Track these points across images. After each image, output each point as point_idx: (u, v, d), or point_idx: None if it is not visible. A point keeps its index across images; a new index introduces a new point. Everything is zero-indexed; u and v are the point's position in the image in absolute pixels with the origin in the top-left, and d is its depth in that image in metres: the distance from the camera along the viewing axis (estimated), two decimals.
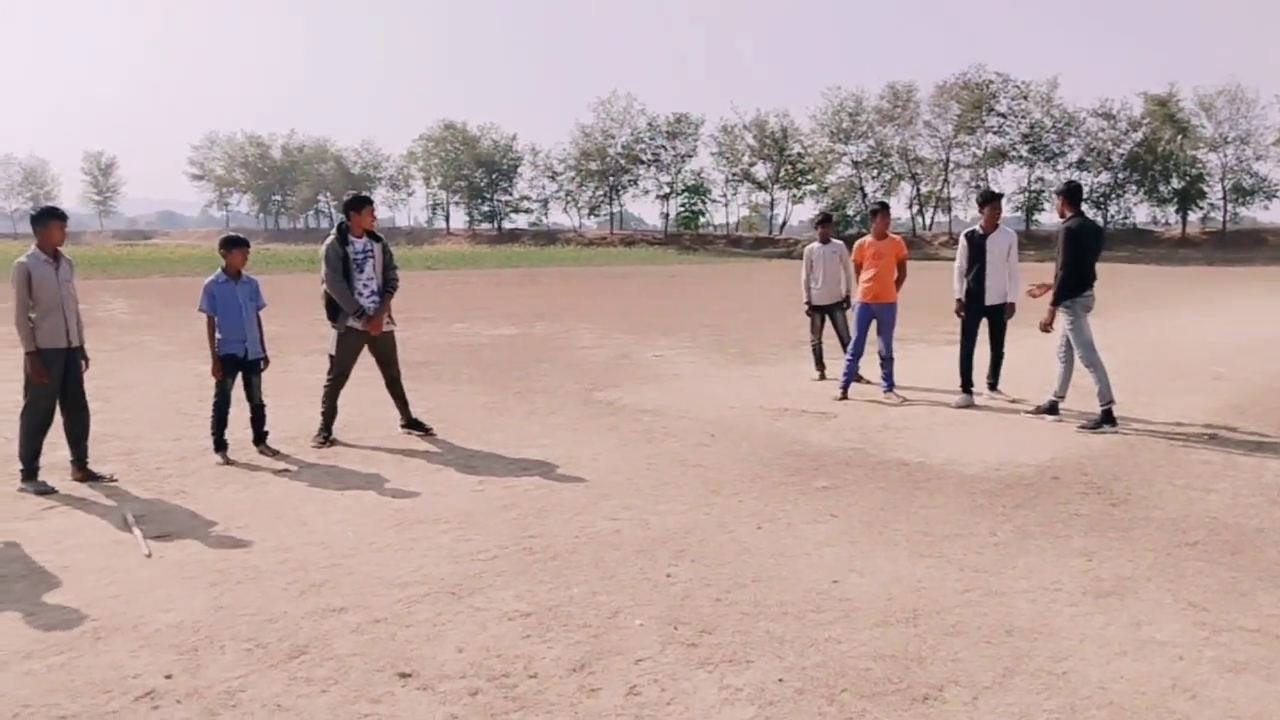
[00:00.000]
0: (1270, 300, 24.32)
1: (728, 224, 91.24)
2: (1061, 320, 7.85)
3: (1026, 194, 74.01)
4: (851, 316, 9.69)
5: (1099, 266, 7.87)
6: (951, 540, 4.88)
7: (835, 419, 8.13)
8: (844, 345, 9.85)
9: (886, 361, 9.09)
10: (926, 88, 77.89)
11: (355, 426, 7.63)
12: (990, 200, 8.86)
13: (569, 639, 3.68)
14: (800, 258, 10.97)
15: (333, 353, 7.26)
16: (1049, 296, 7.89)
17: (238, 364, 6.78)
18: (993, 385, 9.14)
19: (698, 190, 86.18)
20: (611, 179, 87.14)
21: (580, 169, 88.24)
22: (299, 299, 19.83)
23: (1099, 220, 43.40)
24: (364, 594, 4.15)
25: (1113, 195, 72.40)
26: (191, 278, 30.37)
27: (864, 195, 77.69)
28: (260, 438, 6.89)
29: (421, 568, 4.48)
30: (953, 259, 9.73)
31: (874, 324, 9.14)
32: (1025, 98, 72.65)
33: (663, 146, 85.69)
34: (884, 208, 9.49)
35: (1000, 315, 8.85)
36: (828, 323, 10.39)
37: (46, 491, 5.78)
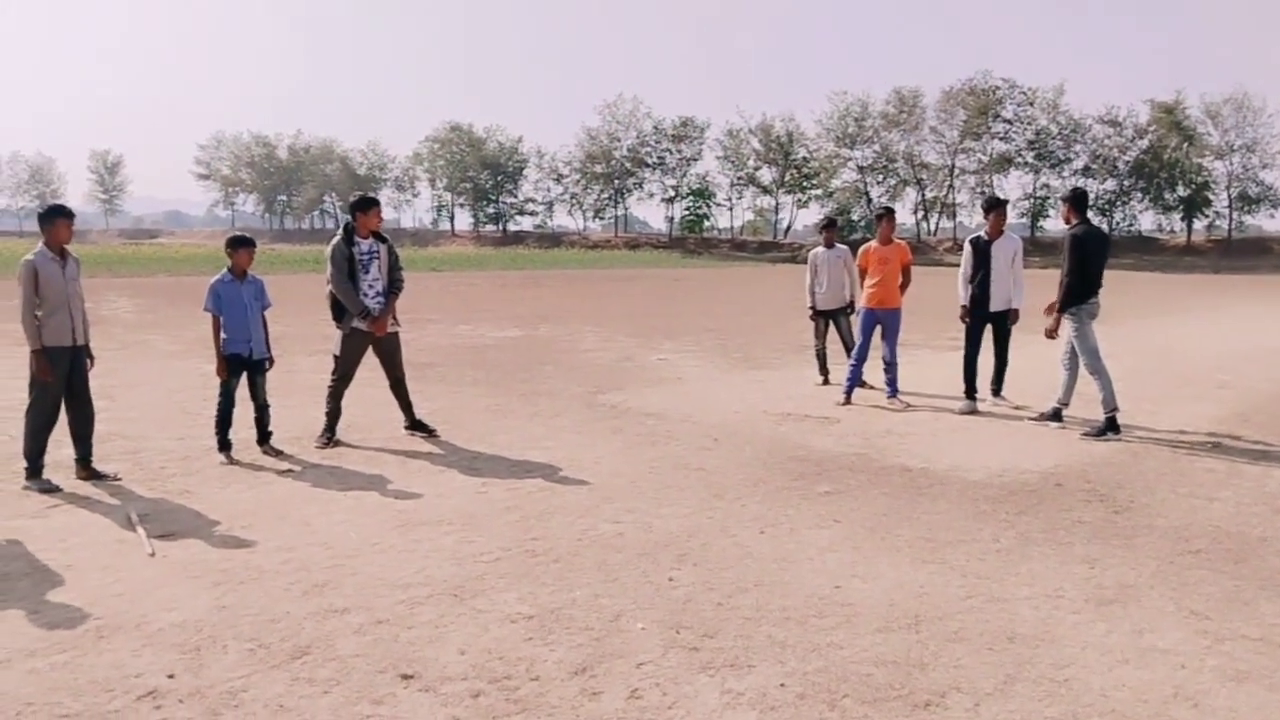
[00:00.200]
0: (1276, 308, 24.28)
1: (732, 228, 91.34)
2: (1066, 327, 7.85)
3: (1032, 200, 74.04)
4: (856, 321, 9.69)
5: (1105, 274, 7.87)
6: (954, 546, 4.88)
7: (839, 424, 8.12)
8: (848, 350, 9.84)
9: (890, 367, 9.09)
10: (933, 93, 78.42)
11: (359, 427, 7.65)
12: (995, 206, 8.86)
13: (571, 642, 3.68)
14: (805, 262, 10.97)
15: (337, 353, 7.28)
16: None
17: (243, 364, 6.78)
18: (996, 391, 9.13)
19: (702, 194, 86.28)
20: (616, 182, 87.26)
21: (585, 172, 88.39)
22: (304, 299, 19.86)
23: (1104, 227, 43.39)
24: (366, 595, 4.15)
25: (1118, 202, 72.38)
26: (197, 277, 30.43)
27: (869, 200, 77.74)
28: (264, 438, 6.90)
29: (424, 569, 4.48)
30: (957, 265, 9.73)
31: (878, 329, 9.15)
32: (1031, 104, 72.71)
33: (668, 150, 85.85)
34: (889, 213, 9.49)
35: (1005, 321, 8.84)
36: (832, 328, 10.38)
37: (51, 490, 5.79)
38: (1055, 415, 8.11)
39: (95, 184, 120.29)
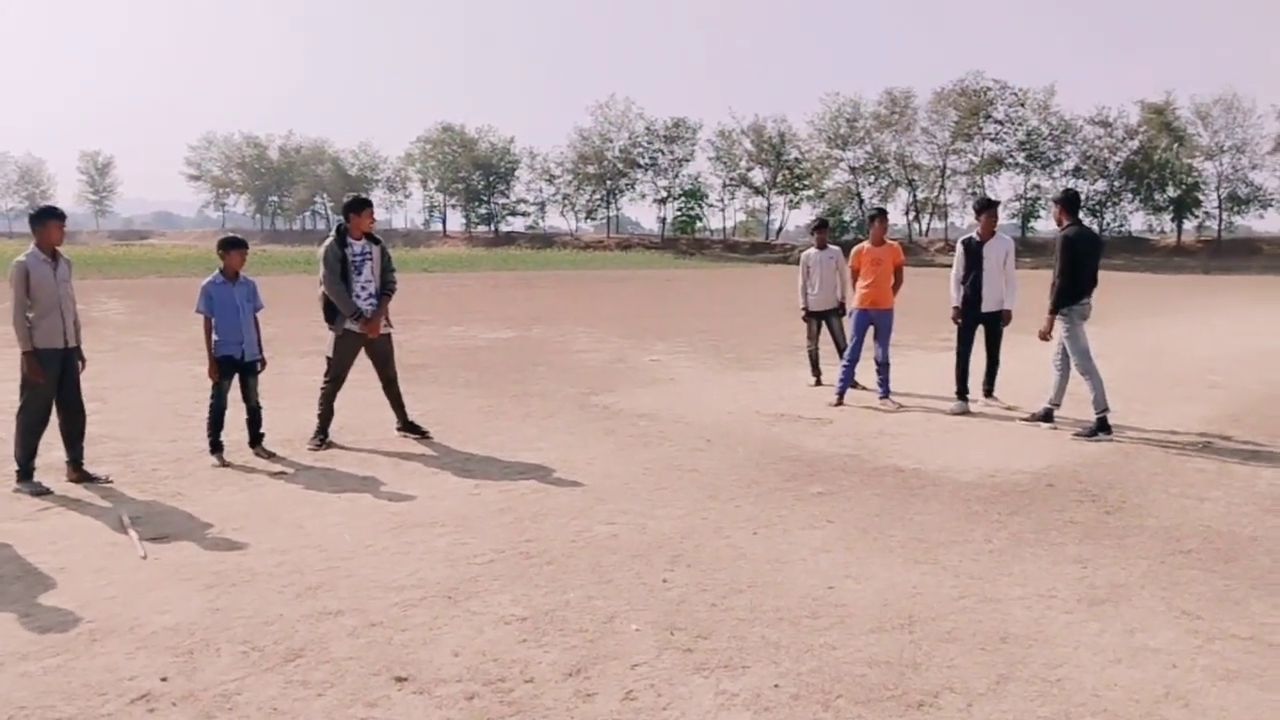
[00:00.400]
0: (1266, 309, 24.41)
1: (724, 229, 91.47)
2: (1058, 328, 7.88)
3: (1023, 201, 74.35)
4: (848, 322, 9.71)
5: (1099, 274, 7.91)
6: (947, 547, 4.89)
7: (831, 425, 8.14)
8: (840, 351, 9.87)
9: (883, 368, 9.11)
10: (924, 94, 78.41)
11: (352, 429, 7.63)
12: (987, 207, 8.89)
13: (565, 643, 3.69)
14: (797, 263, 10.99)
15: (330, 355, 7.26)
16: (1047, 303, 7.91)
17: (235, 366, 6.77)
18: (988, 392, 9.16)
19: (695, 195, 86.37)
20: (609, 182, 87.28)
21: (578, 172, 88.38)
22: (295, 300, 19.82)
23: (1095, 228, 43.50)
24: (360, 597, 4.15)
25: (1109, 203, 72.71)
26: (188, 278, 30.35)
27: (861, 201, 77.90)
28: (257, 440, 6.88)
29: (418, 571, 4.48)
30: (949, 265, 9.76)
31: (870, 330, 9.17)
32: (1022, 105, 72.99)
33: (660, 150, 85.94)
34: (882, 214, 9.50)
35: (997, 322, 8.87)
36: (824, 328, 10.41)
37: (42, 492, 5.77)
38: (1047, 416, 8.14)
39: (85, 185, 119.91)
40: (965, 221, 76.30)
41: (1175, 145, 68.03)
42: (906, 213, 79.70)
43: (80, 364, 6.19)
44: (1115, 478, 6.37)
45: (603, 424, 8.08)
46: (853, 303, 9.46)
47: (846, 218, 76.35)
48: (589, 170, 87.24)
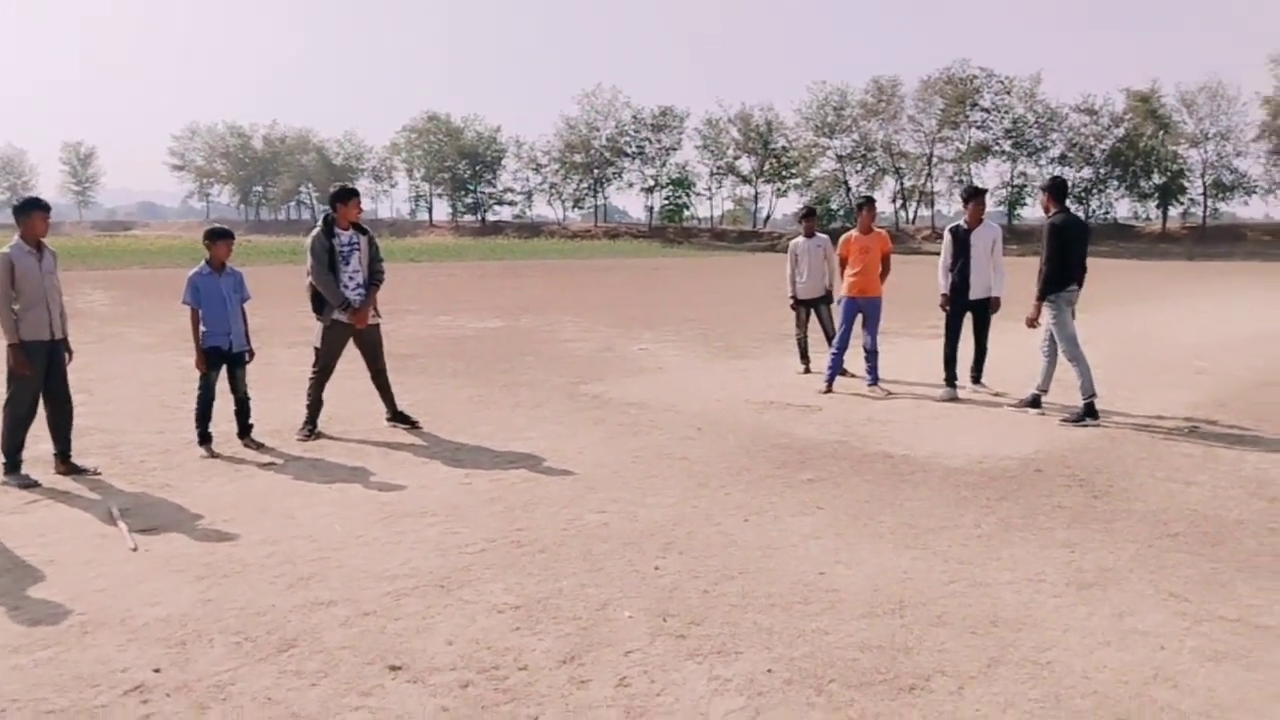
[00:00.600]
0: (1250, 294, 24.58)
1: (712, 217, 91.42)
2: (1045, 314, 7.92)
3: (1009, 189, 74.47)
4: (836, 310, 9.73)
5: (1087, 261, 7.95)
6: (936, 532, 4.92)
7: (820, 412, 8.16)
8: (829, 339, 9.89)
9: (871, 355, 9.14)
10: (911, 82, 78.22)
11: (341, 419, 7.61)
12: (974, 195, 8.91)
13: (558, 631, 3.70)
14: (784, 251, 11.00)
15: (318, 345, 7.24)
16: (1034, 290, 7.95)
17: (222, 357, 6.74)
18: (976, 379, 9.20)
19: (682, 183, 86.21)
20: (596, 171, 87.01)
21: (564, 161, 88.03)
22: (281, 291, 19.72)
23: (1081, 215, 43.65)
24: (352, 587, 4.15)
25: (1094, 190, 72.88)
26: (172, 269, 30.15)
27: (848, 189, 77.94)
28: (245, 431, 6.86)
29: (409, 561, 4.48)
30: (936, 253, 9.78)
31: (859, 318, 9.19)
32: (1009, 93, 73.04)
33: (647, 139, 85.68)
34: (870, 202, 9.51)
35: (984, 309, 8.91)
36: (812, 316, 10.43)
37: (30, 485, 5.74)
38: (1034, 402, 8.18)
39: (68, 175, 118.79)
40: (952, 209, 76.46)
41: (1160, 132, 68.25)
42: (893, 200, 79.81)
43: (67, 356, 6.16)
44: (1102, 463, 6.41)
45: (592, 413, 8.08)
46: (841, 290, 9.49)
47: (834, 206, 76.35)
48: (576, 159, 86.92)
